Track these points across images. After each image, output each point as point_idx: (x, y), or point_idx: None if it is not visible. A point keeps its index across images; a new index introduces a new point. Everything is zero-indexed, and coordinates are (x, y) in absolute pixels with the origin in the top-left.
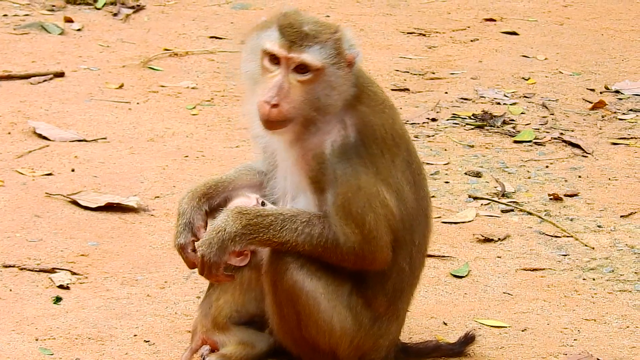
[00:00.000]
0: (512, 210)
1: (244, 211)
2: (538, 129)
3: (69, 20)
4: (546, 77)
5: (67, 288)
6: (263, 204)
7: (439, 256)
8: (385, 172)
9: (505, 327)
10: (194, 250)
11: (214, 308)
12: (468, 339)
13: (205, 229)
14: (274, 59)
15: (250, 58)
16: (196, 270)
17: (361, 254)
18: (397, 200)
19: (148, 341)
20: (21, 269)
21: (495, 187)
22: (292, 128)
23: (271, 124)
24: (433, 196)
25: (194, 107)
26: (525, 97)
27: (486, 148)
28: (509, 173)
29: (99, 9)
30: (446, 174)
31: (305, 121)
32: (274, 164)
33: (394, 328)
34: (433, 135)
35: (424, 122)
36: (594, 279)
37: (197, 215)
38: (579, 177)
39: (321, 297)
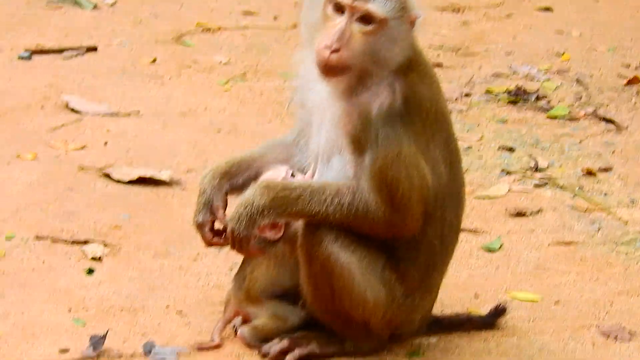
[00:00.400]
0: (545, 185)
1: (271, 185)
2: (572, 105)
3: None
4: (581, 52)
5: (100, 260)
6: (293, 175)
7: (472, 230)
8: (424, 146)
9: (537, 300)
10: (212, 229)
11: (247, 280)
12: (499, 311)
13: (225, 209)
14: (338, 8)
15: (312, 6)
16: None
17: (390, 222)
18: (433, 175)
19: (180, 312)
20: (54, 241)
21: (529, 162)
22: (346, 79)
23: (329, 70)
24: (466, 170)
25: (226, 82)
26: (559, 72)
27: (520, 123)
28: (542, 148)
29: None
30: (479, 149)
31: (360, 74)
32: (310, 122)
33: (426, 302)
34: (466, 111)
35: (457, 98)
36: (626, 253)
37: (216, 195)
38: (613, 152)
39: (355, 270)
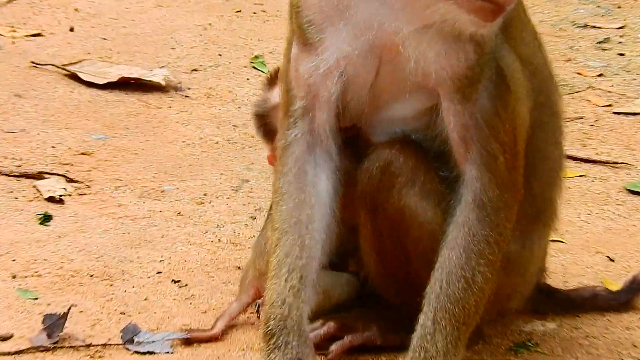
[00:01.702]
0: None
1: None
2: None
3: None
4: None
5: (60, 202)
6: None
7: (609, 163)
8: (522, 47)
9: None
10: None
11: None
12: (635, 286)
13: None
14: None
15: None
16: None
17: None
18: (534, 77)
19: (178, 282)
20: None
21: None
22: None
23: (500, 14)
24: (600, 74)
25: None
26: None
27: None
28: None
29: None
30: (620, 43)
31: None
32: (331, 80)
33: (543, 241)
34: None
35: None
36: None
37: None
38: None
39: (440, 227)
